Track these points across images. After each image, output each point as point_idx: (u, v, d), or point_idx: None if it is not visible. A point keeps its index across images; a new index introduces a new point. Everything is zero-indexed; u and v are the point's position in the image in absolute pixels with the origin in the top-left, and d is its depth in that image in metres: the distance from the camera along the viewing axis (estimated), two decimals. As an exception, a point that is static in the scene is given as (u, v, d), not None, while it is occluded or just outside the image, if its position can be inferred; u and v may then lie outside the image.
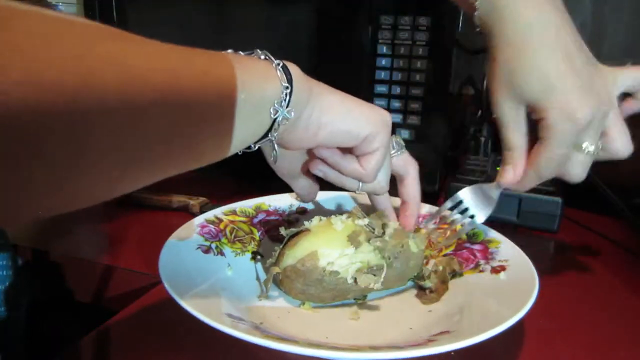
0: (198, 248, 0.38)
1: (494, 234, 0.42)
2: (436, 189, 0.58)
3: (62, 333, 0.30)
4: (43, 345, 0.30)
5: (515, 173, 0.37)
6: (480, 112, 0.70)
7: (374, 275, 0.35)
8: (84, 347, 0.32)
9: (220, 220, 0.42)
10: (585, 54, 0.36)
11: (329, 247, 0.35)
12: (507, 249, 0.40)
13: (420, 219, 0.45)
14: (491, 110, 0.37)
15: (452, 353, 0.31)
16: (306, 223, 0.38)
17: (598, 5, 0.86)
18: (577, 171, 0.37)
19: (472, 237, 0.43)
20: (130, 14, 0.66)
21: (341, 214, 0.39)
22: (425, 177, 0.58)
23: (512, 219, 0.53)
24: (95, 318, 0.35)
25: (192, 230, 0.40)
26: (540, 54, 0.34)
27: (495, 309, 0.33)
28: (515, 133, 0.36)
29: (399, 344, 0.31)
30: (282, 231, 0.38)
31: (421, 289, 0.38)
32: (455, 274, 0.39)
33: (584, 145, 0.35)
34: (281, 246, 0.37)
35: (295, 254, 0.35)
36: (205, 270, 0.36)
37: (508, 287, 0.35)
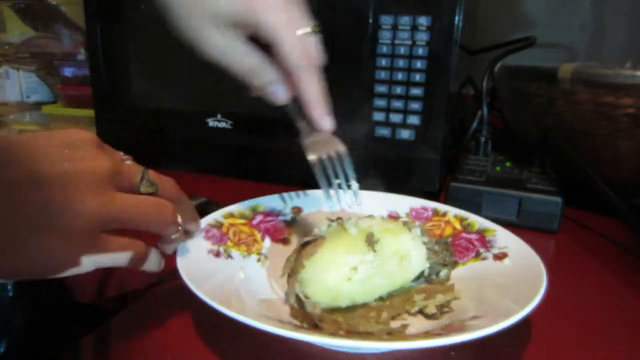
0: (209, 252, 0.38)
1: (487, 223, 0.43)
2: (436, 189, 0.58)
3: (62, 333, 0.30)
4: (43, 345, 0.30)
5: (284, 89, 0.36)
6: (480, 112, 0.70)
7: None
8: (84, 347, 0.32)
9: (222, 224, 0.42)
10: None
11: (349, 254, 0.34)
12: (503, 237, 0.41)
13: (414, 213, 0.47)
14: (205, 55, 0.34)
15: (452, 353, 0.31)
16: (320, 229, 0.37)
17: (598, 5, 0.86)
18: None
19: (467, 227, 0.43)
20: (130, 14, 0.66)
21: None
22: (425, 177, 0.58)
23: (512, 219, 0.53)
24: (95, 318, 0.35)
25: (197, 235, 0.40)
26: None
27: (510, 296, 0.33)
28: (246, 51, 0.34)
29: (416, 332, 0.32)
30: (297, 239, 0.37)
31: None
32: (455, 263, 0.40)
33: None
34: (294, 255, 0.36)
35: (315, 264, 0.34)
36: (220, 272, 0.36)
37: (514, 272, 0.36)
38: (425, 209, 0.47)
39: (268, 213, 0.47)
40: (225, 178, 0.67)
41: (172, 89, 0.68)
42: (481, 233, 0.42)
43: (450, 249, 0.41)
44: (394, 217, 0.48)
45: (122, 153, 0.31)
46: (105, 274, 0.43)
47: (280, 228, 0.46)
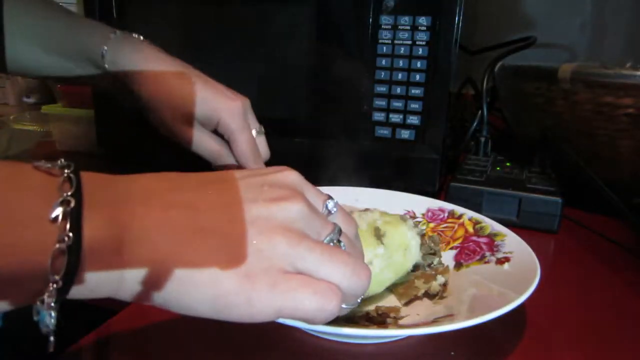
0: None
1: (499, 228, 0.43)
2: (436, 189, 0.58)
3: (62, 333, 0.30)
4: (43, 345, 0.30)
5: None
6: (480, 112, 0.70)
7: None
8: (84, 347, 0.32)
9: None
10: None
11: (364, 248, 0.34)
12: (512, 242, 0.40)
13: (431, 214, 0.47)
14: (184, 146, 0.45)
15: (453, 353, 0.31)
16: None
17: (598, 5, 0.86)
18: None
19: (479, 230, 0.43)
20: (130, 12, 0.66)
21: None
22: (425, 177, 0.58)
23: (512, 219, 0.53)
24: (95, 318, 0.35)
25: None
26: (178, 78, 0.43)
27: (497, 294, 0.33)
28: (213, 142, 0.45)
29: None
30: None
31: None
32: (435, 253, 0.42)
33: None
34: None
35: None
36: None
37: (511, 276, 0.36)
38: (442, 210, 0.47)
39: None
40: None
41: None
42: (491, 237, 0.42)
43: (435, 239, 0.42)
44: (410, 216, 0.48)
45: (326, 196, 0.29)
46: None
47: None
